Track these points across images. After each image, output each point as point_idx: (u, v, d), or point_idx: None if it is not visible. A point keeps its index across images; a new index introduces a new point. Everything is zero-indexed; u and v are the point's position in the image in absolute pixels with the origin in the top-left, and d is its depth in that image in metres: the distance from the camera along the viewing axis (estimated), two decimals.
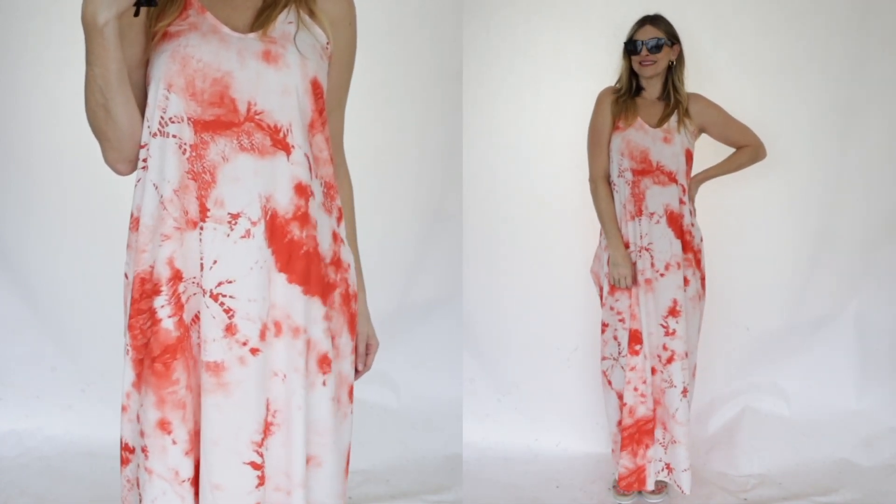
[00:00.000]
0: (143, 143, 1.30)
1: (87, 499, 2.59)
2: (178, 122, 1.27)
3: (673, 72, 2.49)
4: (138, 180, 1.31)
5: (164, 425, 1.27)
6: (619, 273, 2.46)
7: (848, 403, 3.10)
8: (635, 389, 2.46)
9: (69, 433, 2.92)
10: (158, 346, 1.26)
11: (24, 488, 2.64)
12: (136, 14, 1.21)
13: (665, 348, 2.45)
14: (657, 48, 2.41)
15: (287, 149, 1.29)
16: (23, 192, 2.93)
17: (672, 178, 2.44)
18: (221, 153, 1.26)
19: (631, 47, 2.44)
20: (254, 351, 1.27)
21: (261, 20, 1.32)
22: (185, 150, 1.27)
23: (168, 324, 1.27)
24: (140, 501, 1.29)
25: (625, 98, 2.48)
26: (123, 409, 1.32)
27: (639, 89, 2.51)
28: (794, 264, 3.12)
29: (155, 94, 1.28)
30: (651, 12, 2.48)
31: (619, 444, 2.51)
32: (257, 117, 1.28)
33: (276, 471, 1.31)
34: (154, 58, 1.29)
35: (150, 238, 1.28)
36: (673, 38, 2.46)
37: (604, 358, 2.61)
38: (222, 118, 1.26)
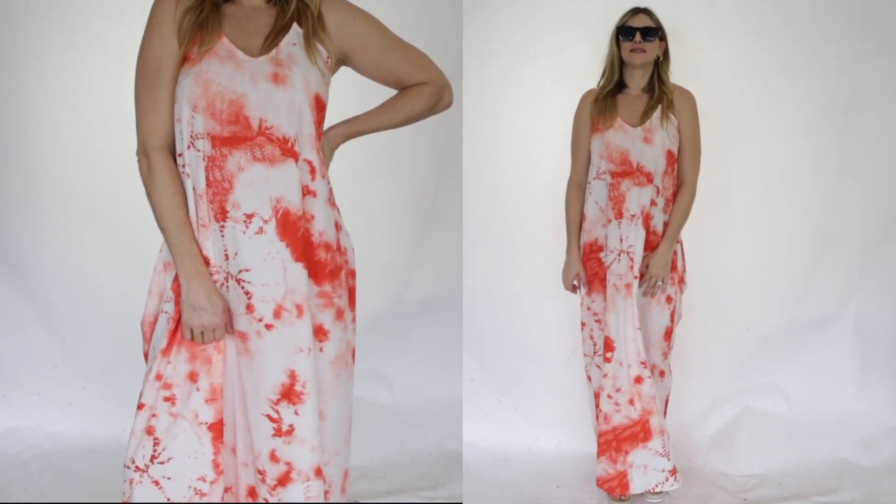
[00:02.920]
0: (180, 153, 1.52)
1: (88, 495, 2.60)
2: (202, 139, 1.49)
3: (659, 66, 2.46)
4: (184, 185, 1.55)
5: (192, 376, 1.54)
6: (564, 278, 2.59)
7: (848, 403, 3.08)
8: (609, 397, 2.44)
9: (70, 430, 2.93)
10: None
11: (25, 485, 2.66)
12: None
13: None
14: (651, 36, 2.39)
15: (295, 156, 1.52)
16: (24, 191, 2.95)
17: (650, 179, 2.40)
18: (237, 164, 1.49)
19: (624, 33, 2.41)
20: (268, 326, 1.52)
21: (268, 44, 1.53)
22: (206, 161, 1.49)
23: None
24: (154, 445, 1.52)
25: (605, 96, 2.46)
26: (149, 369, 1.56)
27: (621, 86, 2.49)
28: (794, 264, 3.11)
29: (183, 112, 1.50)
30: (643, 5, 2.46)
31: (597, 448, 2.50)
32: (268, 132, 1.50)
33: (312, 432, 1.56)
34: (180, 79, 1.50)
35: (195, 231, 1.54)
36: (662, 32, 2.44)
37: (584, 355, 2.62)
38: (238, 134, 1.49)
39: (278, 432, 1.53)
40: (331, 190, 1.63)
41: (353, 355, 1.69)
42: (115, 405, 2.96)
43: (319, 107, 1.58)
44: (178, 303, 1.54)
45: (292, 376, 1.53)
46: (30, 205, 2.96)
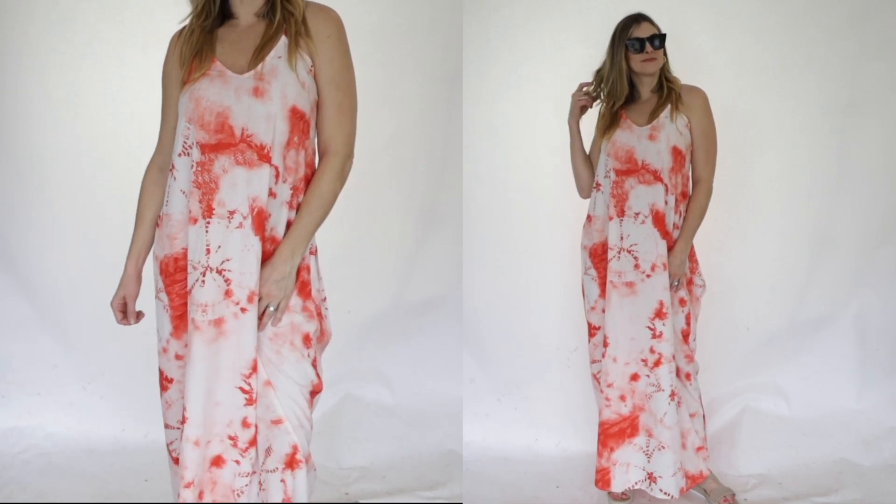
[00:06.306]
0: (171, 160, 1.76)
1: (88, 495, 2.61)
2: (194, 147, 1.71)
3: (664, 65, 2.45)
4: (168, 187, 1.77)
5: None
6: None
7: (848, 403, 3.09)
8: (601, 392, 2.46)
9: (70, 430, 2.94)
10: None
11: (25, 484, 2.66)
12: None
13: (652, 351, 2.40)
14: (660, 43, 2.38)
15: (269, 161, 1.70)
16: (24, 191, 2.95)
17: (657, 177, 2.38)
18: (223, 167, 1.69)
19: (634, 45, 2.38)
20: (243, 310, 1.69)
21: (254, 59, 1.72)
22: (194, 166, 1.71)
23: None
24: (182, 418, 1.71)
25: (614, 108, 2.45)
26: (163, 350, 1.81)
27: (631, 93, 2.47)
28: (794, 264, 3.11)
29: (180, 125, 1.74)
30: (639, 10, 2.43)
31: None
32: (248, 139, 1.69)
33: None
34: (179, 98, 1.76)
35: (178, 228, 1.74)
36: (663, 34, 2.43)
37: (594, 360, 2.59)
38: (223, 141, 1.69)
39: (250, 402, 1.70)
40: (292, 193, 1.75)
41: (307, 339, 1.77)
42: (115, 405, 2.97)
43: (297, 117, 1.73)
44: (168, 290, 1.77)
45: (258, 351, 1.72)
46: (30, 205, 2.96)
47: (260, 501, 1.75)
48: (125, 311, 1.90)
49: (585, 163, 2.59)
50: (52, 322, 3.01)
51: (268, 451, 1.74)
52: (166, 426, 1.85)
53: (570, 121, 2.58)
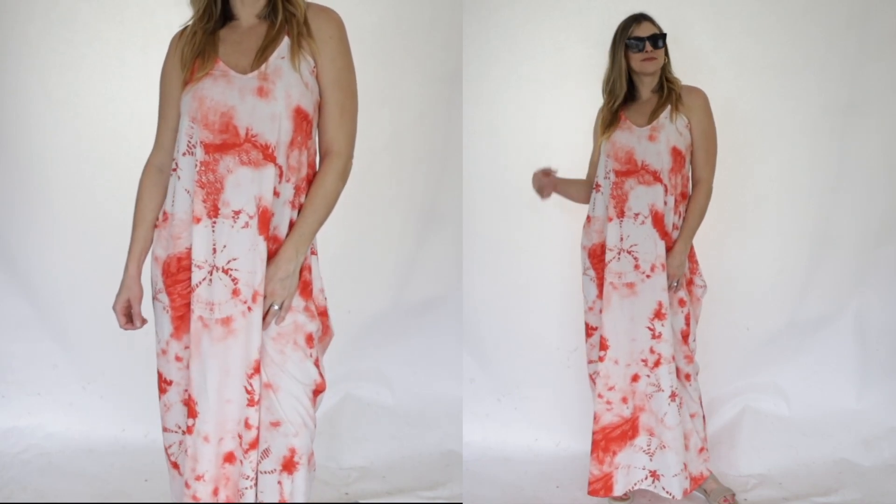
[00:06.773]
0: (175, 160, 1.76)
1: (88, 495, 2.61)
2: (198, 146, 1.71)
3: (664, 66, 2.45)
4: (173, 186, 1.76)
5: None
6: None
7: (848, 403, 3.09)
8: (600, 396, 2.45)
9: (70, 430, 2.94)
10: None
11: (25, 484, 2.66)
12: None
13: (652, 351, 2.40)
14: (660, 43, 2.39)
15: (274, 161, 1.70)
16: (24, 191, 2.96)
17: (657, 178, 2.39)
18: (227, 167, 1.69)
19: (634, 44, 2.40)
20: (249, 309, 1.69)
21: (257, 60, 1.72)
22: (197, 165, 1.70)
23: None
24: (190, 413, 1.71)
25: (614, 107, 2.46)
26: (163, 352, 1.79)
27: (631, 93, 2.49)
28: (794, 264, 3.11)
29: (183, 124, 1.74)
30: (640, 10, 2.45)
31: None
32: (253, 139, 1.69)
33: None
34: (182, 97, 1.76)
35: (183, 228, 1.73)
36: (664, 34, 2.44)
37: (591, 361, 2.60)
38: (228, 141, 1.69)
39: (251, 403, 1.70)
40: (295, 193, 1.75)
41: (310, 339, 1.77)
42: (115, 405, 2.97)
43: (301, 117, 1.74)
44: (168, 291, 1.75)
45: (261, 352, 1.72)
46: (31, 205, 2.96)
47: (256, 502, 1.73)
48: (129, 315, 1.86)
49: (575, 187, 2.67)
50: (52, 322, 3.01)
51: (266, 452, 1.74)
52: (165, 429, 1.83)
53: (541, 196, 2.68)
